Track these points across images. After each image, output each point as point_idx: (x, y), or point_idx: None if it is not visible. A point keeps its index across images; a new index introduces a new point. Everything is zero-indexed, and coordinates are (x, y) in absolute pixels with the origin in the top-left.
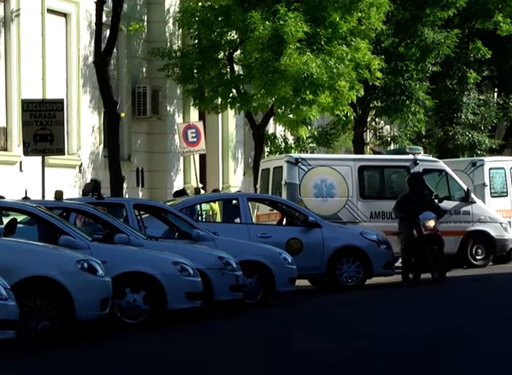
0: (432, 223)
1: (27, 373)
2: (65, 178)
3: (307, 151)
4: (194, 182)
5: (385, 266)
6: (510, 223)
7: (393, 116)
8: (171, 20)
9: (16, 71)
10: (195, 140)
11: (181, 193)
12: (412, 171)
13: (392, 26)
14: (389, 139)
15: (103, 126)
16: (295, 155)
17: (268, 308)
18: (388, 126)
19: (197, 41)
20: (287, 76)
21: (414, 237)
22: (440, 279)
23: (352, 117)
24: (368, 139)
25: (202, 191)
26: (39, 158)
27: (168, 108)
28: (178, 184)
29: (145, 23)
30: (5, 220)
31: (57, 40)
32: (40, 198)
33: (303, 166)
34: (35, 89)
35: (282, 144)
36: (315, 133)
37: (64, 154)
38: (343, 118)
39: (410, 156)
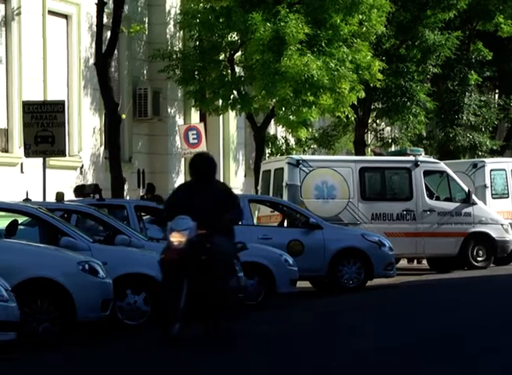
0: (176, 238)
1: (28, 374)
2: (66, 180)
3: (308, 153)
4: None
5: (386, 268)
6: (511, 224)
7: (394, 118)
8: (172, 22)
9: (17, 73)
10: (196, 141)
11: (81, 189)
12: (413, 173)
13: (393, 28)
14: (389, 140)
15: (104, 127)
16: (296, 156)
17: (269, 309)
18: (389, 128)
19: (197, 42)
20: (288, 78)
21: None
22: (209, 332)
23: (353, 119)
24: (369, 141)
25: None
26: (40, 160)
27: (169, 109)
28: None
29: (146, 25)
30: (6, 222)
31: (58, 41)
32: (41, 199)
33: (304, 168)
34: (36, 91)
35: (283, 146)
36: (316, 135)
37: (65, 155)
38: (344, 119)
39: (411, 158)
